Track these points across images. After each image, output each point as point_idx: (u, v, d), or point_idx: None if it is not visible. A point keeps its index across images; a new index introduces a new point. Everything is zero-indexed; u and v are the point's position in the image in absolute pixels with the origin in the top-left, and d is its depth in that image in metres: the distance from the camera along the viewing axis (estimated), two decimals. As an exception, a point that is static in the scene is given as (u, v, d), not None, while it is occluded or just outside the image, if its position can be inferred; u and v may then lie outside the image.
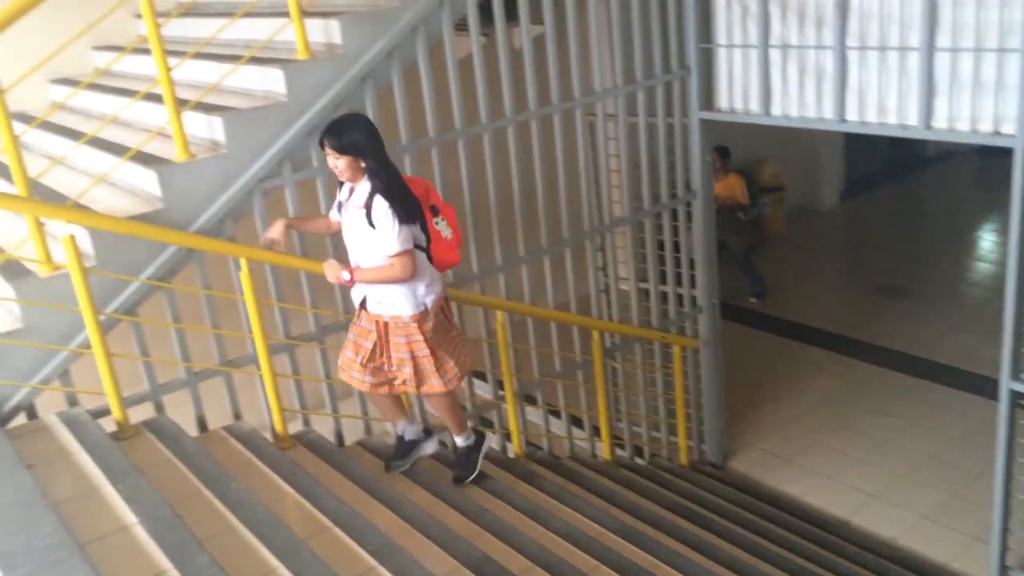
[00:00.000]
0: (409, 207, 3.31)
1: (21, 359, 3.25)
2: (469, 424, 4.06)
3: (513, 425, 4.77)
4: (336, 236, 3.66)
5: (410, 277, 3.33)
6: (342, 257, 3.56)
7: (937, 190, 11.13)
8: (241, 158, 3.63)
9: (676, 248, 5.65)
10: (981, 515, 4.75)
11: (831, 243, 9.95)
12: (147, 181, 3.54)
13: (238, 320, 3.80)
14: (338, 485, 3.57)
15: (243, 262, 3.61)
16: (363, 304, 3.52)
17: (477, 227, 4.51)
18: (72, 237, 3.11)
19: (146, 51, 3.61)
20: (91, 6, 3.75)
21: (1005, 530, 4.34)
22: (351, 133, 3.24)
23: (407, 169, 4.15)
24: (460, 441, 3.97)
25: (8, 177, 3.73)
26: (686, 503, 5.01)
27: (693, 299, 5.74)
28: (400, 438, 3.98)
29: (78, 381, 3.44)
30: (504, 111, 4.48)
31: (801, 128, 5.04)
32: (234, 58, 3.91)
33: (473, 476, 4.01)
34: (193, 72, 3.96)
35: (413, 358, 3.49)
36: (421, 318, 3.44)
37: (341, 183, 3.44)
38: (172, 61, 3.47)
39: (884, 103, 4.42)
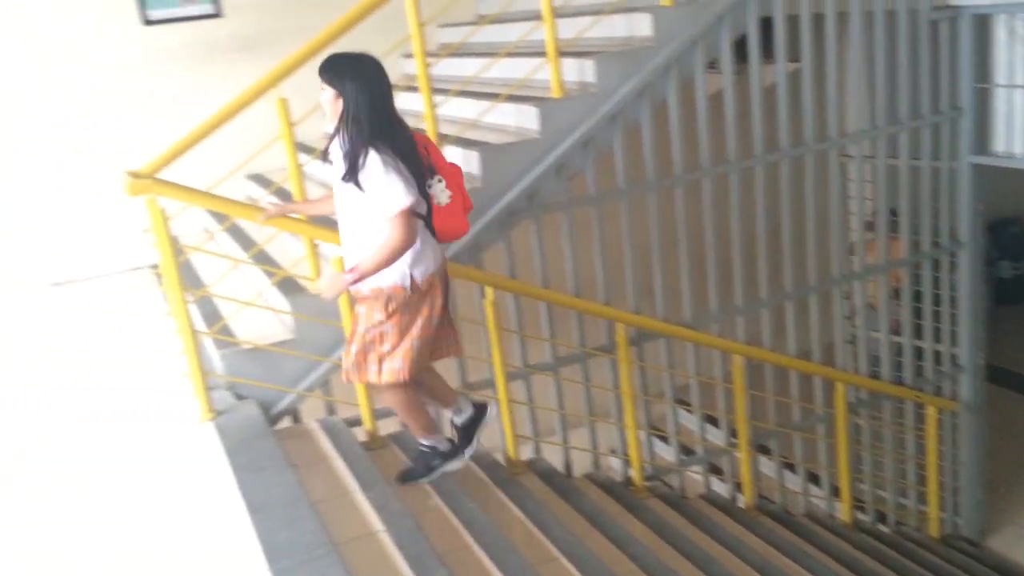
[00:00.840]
0: (409, 161, 2.73)
1: (290, 367, 3.57)
2: (467, 403, 3.40)
3: (745, 475, 4.59)
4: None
5: (413, 240, 2.75)
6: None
7: None
8: (492, 191, 3.79)
9: (936, 301, 5.22)
10: None
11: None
12: (408, 210, 3.79)
13: (479, 345, 3.95)
14: (565, 514, 3.60)
15: (488, 290, 3.75)
16: None
17: (718, 266, 4.42)
18: (341, 259, 3.38)
19: (413, 88, 3.89)
20: (361, 48, 4.08)
21: None
22: (343, 62, 2.76)
23: (650, 209, 4.16)
24: (423, 441, 3.33)
25: (286, 200, 4.14)
26: (935, 580, 4.57)
27: (953, 357, 5.26)
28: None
29: (336, 392, 3.73)
30: (754, 150, 4.37)
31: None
32: (491, 95, 4.12)
33: (422, 480, 3.38)
34: (454, 108, 4.20)
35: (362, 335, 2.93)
36: (399, 291, 2.84)
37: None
38: (435, 98, 3.71)
39: None
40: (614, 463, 4.75)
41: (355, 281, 2.79)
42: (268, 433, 3.25)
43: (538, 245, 4.00)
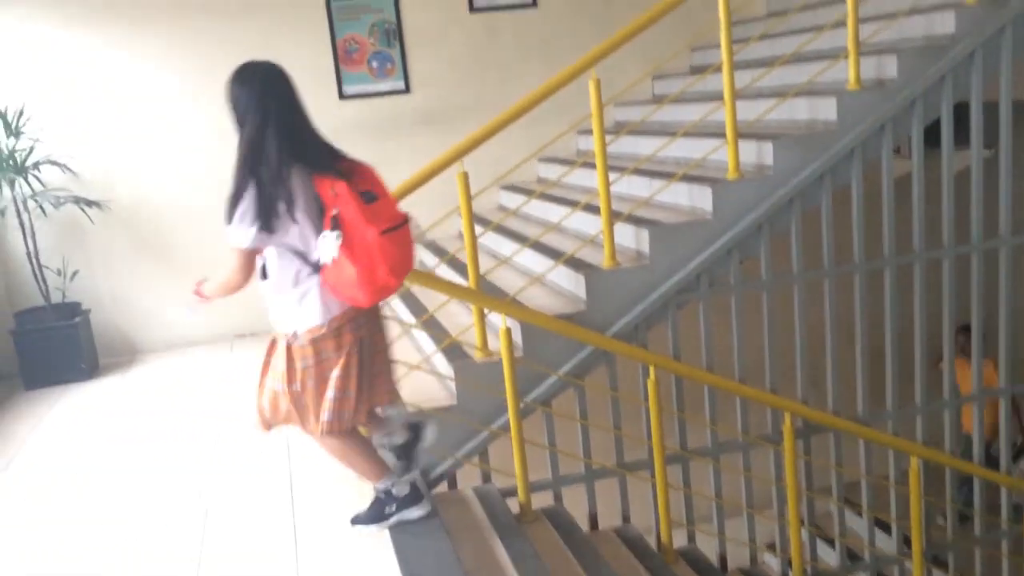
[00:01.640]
0: (267, 202, 2.49)
1: (451, 433, 3.63)
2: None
3: (918, 588, 4.24)
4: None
5: (242, 283, 2.64)
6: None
7: None
8: (661, 269, 3.77)
9: None
10: None
11: None
12: (576, 284, 3.82)
13: (639, 424, 3.88)
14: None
15: (652, 369, 3.70)
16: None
17: (898, 361, 4.17)
18: (508, 329, 3.44)
19: (589, 165, 3.95)
20: (538, 124, 4.20)
21: None
22: (241, 80, 2.55)
23: (826, 296, 4.01)
24: (378, 484, 3.06)
25: (457, 269, 4.28)
26: None
27: None
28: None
29: (493, 460, 3.76)
30: (942, 241, 4.14)
31: None
32: (666, 175, 4.12)
33: (376, 526, 3.08)
34: (628, 186, 4.23)
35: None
36: (302, 335, 2.66)
37: None
38: (611, 175, 3.74)
39: None
40: (771, 560, 4.51)
41: (202, 302, 2.77)
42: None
43: (705, 326, 3.92)
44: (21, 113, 4.98)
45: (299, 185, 2.54)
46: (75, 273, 5.27)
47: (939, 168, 4.07)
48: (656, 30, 3.82)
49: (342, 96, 5.52)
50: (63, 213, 5.16)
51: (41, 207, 5.04)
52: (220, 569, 2.97)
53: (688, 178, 3.98)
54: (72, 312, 5.14)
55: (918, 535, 4.15)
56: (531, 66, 5.59)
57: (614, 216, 3.75)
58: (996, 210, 4.19)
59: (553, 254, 4.08)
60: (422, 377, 3.72)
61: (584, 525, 3.88)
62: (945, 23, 3.94)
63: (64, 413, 4.61)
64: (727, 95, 3.72)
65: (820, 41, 4.30)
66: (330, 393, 2.69)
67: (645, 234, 3.78)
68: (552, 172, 5.50)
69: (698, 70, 5.51)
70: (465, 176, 3.52)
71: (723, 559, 4.17)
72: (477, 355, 3.65)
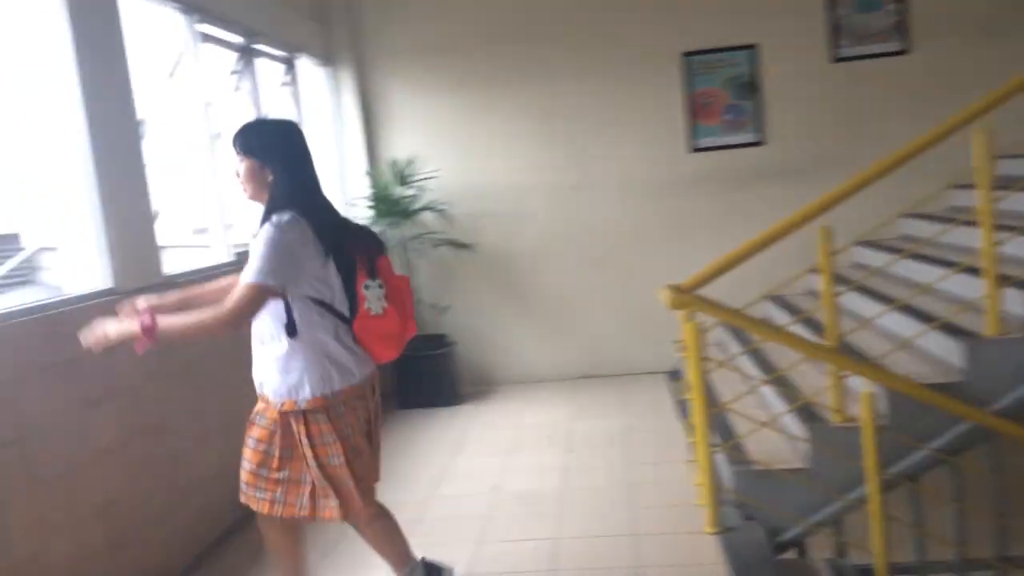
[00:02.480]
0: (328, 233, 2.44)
1: (801, 497, 3.46)
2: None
3: None
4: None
5: (239, 323, 2.31)
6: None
7: None
8: (1059, 338, 3.33)
9: None
10: None
11: None
12: (949, 351, 3.50)
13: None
14: None
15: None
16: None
17: None
18: (871, 394, 3.23)
19: (970, 223, 3.61)
20: (898, 177, 3.92)
21: None
22: (261, 132, 2.56)
23: None
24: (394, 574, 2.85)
25: (811, 328, 4.11)
26: None
27: None
28: None
29: (849, 532, 3.52)
30: None
31: None
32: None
33: None
34: (1013, 248, 3.80)
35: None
36: (299, 408, 2.47)
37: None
38: (999, 235, 3.40)
39: None
40: None
41: (145, 332, 2.26)
42: (772, 562, 3.18)
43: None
44: (410, 163, 5.68)
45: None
46: (447, 307, 5.87)
47: None
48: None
49: (694, 149, 5.60)
50: (436, 253, 5.78)
51: (422, 247, 5.69)
52: None
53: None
54: (441, 343, 5.70)
55: None
56: (894, 117, 5.28)
57: (1002, 280, 3.39)
58: None
59: (921, 317, 3.77)
60: (768, 436, 3.61)
61: (947, 620, 3.50)
62: None
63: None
64: None
65: None
66: (351, 468, 2.57)
67: (1038, 300, 3.37)
68: (915, 228, 5.10)
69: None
70: (827, 231, 3.39)
71: None
72: (834, 418, 3.46)
